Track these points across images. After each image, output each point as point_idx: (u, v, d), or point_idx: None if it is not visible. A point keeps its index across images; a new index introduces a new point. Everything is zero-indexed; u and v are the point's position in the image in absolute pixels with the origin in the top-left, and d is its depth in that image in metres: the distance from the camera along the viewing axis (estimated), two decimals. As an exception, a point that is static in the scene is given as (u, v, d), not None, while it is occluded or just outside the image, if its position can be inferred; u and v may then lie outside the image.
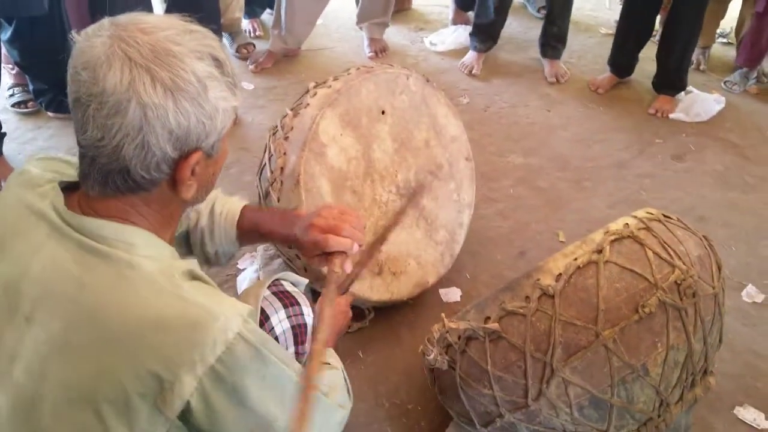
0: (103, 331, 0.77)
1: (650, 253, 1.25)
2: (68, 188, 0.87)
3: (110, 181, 0.80)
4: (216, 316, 0.77)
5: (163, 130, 0.76)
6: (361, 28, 3.29)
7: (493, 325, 1.24)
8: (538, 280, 1.23)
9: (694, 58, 3.20)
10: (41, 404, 0.79)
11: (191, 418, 0.78)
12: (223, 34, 3.19)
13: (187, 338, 0.76)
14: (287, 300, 1.15)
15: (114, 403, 0.76)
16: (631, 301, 1.19)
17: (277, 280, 1.18)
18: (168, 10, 2.54)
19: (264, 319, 1.10)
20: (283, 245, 1.32)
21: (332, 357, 1.18)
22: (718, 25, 3.26)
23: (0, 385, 0.82)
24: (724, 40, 3.52)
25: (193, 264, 0.86)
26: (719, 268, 1.35)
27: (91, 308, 0.78)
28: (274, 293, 1.15)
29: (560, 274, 1.22)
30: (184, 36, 0.78)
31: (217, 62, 0.80)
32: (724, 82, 3.12)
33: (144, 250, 0.81)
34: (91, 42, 0.76)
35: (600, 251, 1.23)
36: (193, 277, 0.84)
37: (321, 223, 1.13)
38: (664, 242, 1.28)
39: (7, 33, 2.30)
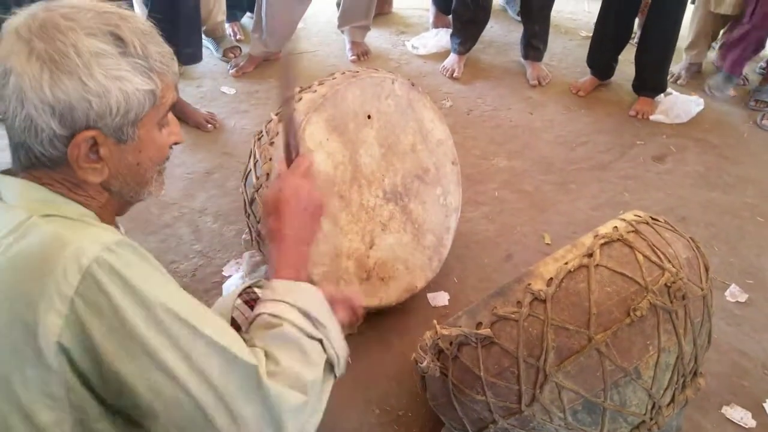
0: None
1: (640, 256, 1.26)
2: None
3: (19, 156, 0.81)
4: (68, 243, 0.72)
5: (41, 103, 0.75)
6: (342, 32, 3.27)
7: (485, 331, 1.23)
8: (529, 284, 1.23)
9: (677, 70, 3.23)
10: None
11: (79, 369, 0.72)
12: (209, 39, 3.15)
13: (37, 271, 0.71)
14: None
15: (11, 362, 0.72)
16: (623, 304, 1.19)
17: (249, 288, 1.16)
18: (149, 16, 2.50)
19: (236, 330, 1.06)
20: None
21: (290, 294, 0.90)
22: (709, 44, 3.27)
23: None
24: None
25: (90, 218, 0.83)
26: (707, 270, 1.36)
27: None
28: (245, 302, 1.13)
29: (551, 279, 1.22)
30: (85, 14, 0.77)
31: (119, 41, 0.78)
32: (708, 87, 3.14)
33: (27, 202, 0.79)
34: (12, 19, 0.78)
35: (590, 255, 1.24)
36: (86, 223, 0.80)
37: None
38: (653, 245, 1.28)
39: None
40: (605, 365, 1.18)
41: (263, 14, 2.92)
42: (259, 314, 0.88)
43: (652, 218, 1.37)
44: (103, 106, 0.77)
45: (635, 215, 1.35)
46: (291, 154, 1.02)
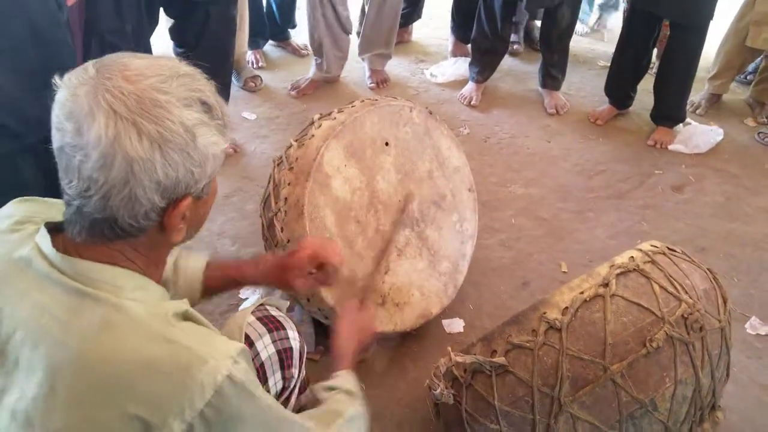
0: (90, 377, 0.75)
1: (656, 287, 1.25)
2: (53, 229, 0.84)
3: (97, 229, 0.78)
4: (204, 360, 0.75)
5: (150, 182, 0.74)
6: (362, 59, 3.32)
7: (499, 359, 1.23)
8: (545, 313, 1.22)
9: (698, 99, 3.22)
10: None
11: None
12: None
13: (176, 383, 0.74)
14: (272, 324, 1.15)
15: None
16: (639, 335, 1.19)
17: (261, 305, 1.18)
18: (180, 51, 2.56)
19: (249, 345, 1.09)
20: (261, 282, 1.31)
21: (349, 384, 1.16)
22: (734, 76, 3.26)
23: None
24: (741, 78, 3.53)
25: (184, 304, 0.84)
26: (725, 302, 1.35)
27: (77, 353, 0.75)
28: (258, 318, 1.15)
29: (567, 308, 1.22)
30: (171, 82, 0.75)
31: (206, 107, 0.78)
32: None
33: (132, 293, 0.79)
34: (75, 91, 0.73)
35: (606, 285, 1.23)
36: (185, 317, 0.82)
37: (308, 243, 1.24)
38: (670, 276, 1.28)
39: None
40: (621, 396, 1.17)
41: (323, 43, 3.05)
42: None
43: (669, 248, 1.36)
44: (202, 173, 0.78)
45: (652, 245, 1.35)
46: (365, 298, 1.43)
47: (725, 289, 1.39)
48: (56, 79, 0.76)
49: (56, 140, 0.75)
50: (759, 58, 3.26)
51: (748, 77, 3.44)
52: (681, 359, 1.21)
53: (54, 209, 0.91)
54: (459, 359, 1.29)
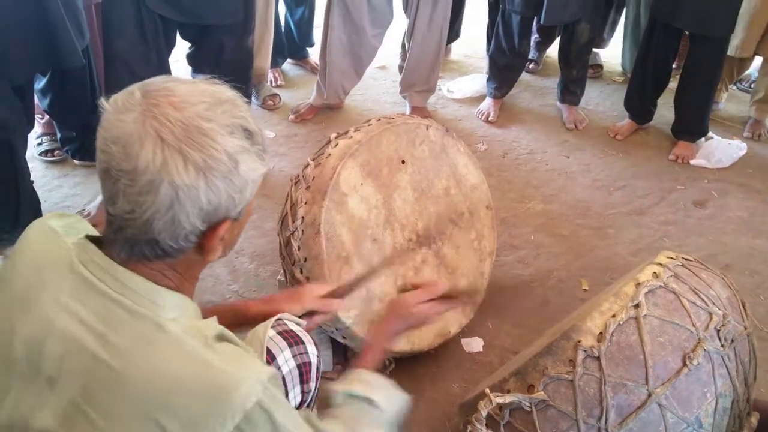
0: (127, 392, 0.76)
1: (685, 302, 1.25)
2: (94, 242, 0.86)
3: (137, 249, 0.80)
4: (238, 384, 0.76)
5: (193, 208, 0.76)
6: (404, 97, 3.18)
7: (539, 395, 1.20)
8: (580, 341, 1.20)
9: None
10: None
11: None
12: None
13: (209, 404, 0.75)
14: (292, 339, 1.16)
15: None
16: (677, 353, 1.18)
17: (280, 319, 1.19)
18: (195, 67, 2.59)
19: (270, 359, 1.10)
20: (265, 308, 1.32)
21: (375, 389, 1.11)
22: (727, 87, 3.23)
23: None
24: (745, 86, 3.52)
25: (217, 325, 0.85)
26: (744, 306, 1.34)
27: (114, 368, 0.77)
28: (279, 333, 1.16)
29: (601, 333, 1.20)
30: (216, 110, 0.77)
31: (248, 133, 0.80)
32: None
33: (171, 312, 0.81)
34: (122, 117, 0.75)
35: (637, 306, 1.22)
36: (221, 338, 0.83)
37: (305, 299, 1.33)
38: (695, 288, 1.27)
39: (41, 83, 2.37)
40: (667, 418, 1.16)
41: (329, 68, 2.95)
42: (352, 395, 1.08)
43: (685, 258, 1.35)
44: (243, 198, 0.81)
45: (668, 257, 1.33)
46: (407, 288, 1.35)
47: (749, 305, 1.37)
48: (102, 101, 0.79)
49: (101, 161, 0.78)
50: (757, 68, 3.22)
51: (751, 86, 3.40)
52: (719, 372, 1.20)
53: (83, 225, 0.94)
54: (500, 400, 1.25)
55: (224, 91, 0.82)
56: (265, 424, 0.78)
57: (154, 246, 0.79)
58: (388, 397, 1.10)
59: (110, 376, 0.77)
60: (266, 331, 1.14)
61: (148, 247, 0.79)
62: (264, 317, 1.19)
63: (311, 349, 1.17)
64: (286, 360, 1.12)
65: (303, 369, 1.15)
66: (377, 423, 1.06)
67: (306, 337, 1.18)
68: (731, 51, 2.88)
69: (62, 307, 0.81)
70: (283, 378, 1.12)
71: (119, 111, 0.76)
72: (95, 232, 0.88)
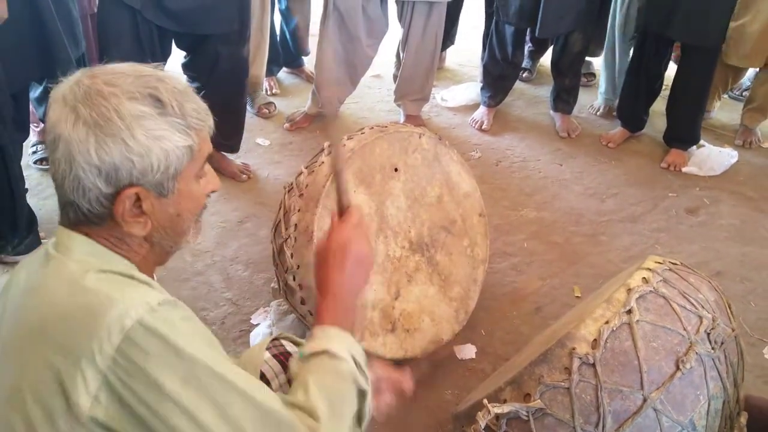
0: (23, 329, 0.81)
1: (675, 306, 1.26)
2: None
3: (68, 212, 0.85)
4: (113, 303, 0.75)
5: (88, 165, 0.80)
6: (398, 105, 3.21)
7: (535, 403, 1.21)
8: (574, 349, 1.22)
9: None
10: None
11: (113, 425, 0.74)
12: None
13: (83, 327, 0.75)
14: (288, 362, 1.13)
15: (37, 404, 0.75)
16: (670, 357, 1.19)
17: (276, 339, 1.17)
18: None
19: (265, 383, 1.08)
20: None
21: (333, 341, 0.91)
22: (720, 95, 3.26)
23: None
24: (736, 94, 3.55)
25: (132, 269, 0.86)
26: (730, 307, 1.36)
27: (20, 308, 0.83)
28: (274, 355, 1.14)
29: (595, 340, 1.21)
30: (126, 78, 0.82)
31: (158, 102, 0.82)
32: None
33: (79, 255, 0.84)
34: (58, 86, 0.83)
35: (630, 311, 1.23)
36: (129, 276, 0.83)
37: None
38: (684, 292, 1.28)
39: (37, 92, 2.38)
40: (662, 422, 1.17)
41: (324, 78, 2.97)
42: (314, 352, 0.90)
43: (671, 262, 1.37)
44: (145, 164, 0.81)
45: (656, 262, 1.35)
46: (342, 206, 1.04)
47: (740, 312, 1.38)
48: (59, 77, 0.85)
49: None
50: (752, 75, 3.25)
51: (743, 94, 3.43)
52: (710, 375, 1.21)
53: None
54: (498, 410, 1.26)
55: (159, 71, 0.86)
56: (160, 349, 0.74)
57: (76, 210, 0.84)
58: (349, 346, 0.92)
59: (16, 317, 0.83)
60: (261, 353, 1.13)
61: (72, 209, 0.84)
62: None
63: None
64: (281, 385, 1.11)
65: None
66: (340, 376, 0.88)
67: None
68: (735, 61, 2.90)
69: (17, 282, 0.88)
70: None
71: (59, 84, 0.84)
72: None
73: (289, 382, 1.04)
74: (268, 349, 1.15)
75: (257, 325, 1.98)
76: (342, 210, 1.04)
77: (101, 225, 0.85)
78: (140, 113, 0.80)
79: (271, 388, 0.97)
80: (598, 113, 3.36)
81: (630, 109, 3.06)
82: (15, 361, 0.80)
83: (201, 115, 0.87)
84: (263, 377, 1.09)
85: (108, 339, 0.73)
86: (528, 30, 3.09)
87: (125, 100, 0.80)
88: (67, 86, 0.82)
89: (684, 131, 2.94)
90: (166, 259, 0.96)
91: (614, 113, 3.28)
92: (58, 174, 0.82)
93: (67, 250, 0.84)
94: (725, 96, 3.43)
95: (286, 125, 3.13)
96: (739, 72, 3.17)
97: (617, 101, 3.21)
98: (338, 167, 1.06)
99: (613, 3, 3.07)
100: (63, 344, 0.75)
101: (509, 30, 2.97)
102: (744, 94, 3.43)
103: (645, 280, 1.30)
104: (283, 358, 1.13)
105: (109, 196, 0.82)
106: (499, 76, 3.13)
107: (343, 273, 0.97)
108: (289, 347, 1.16)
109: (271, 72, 3.49)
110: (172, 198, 0.87)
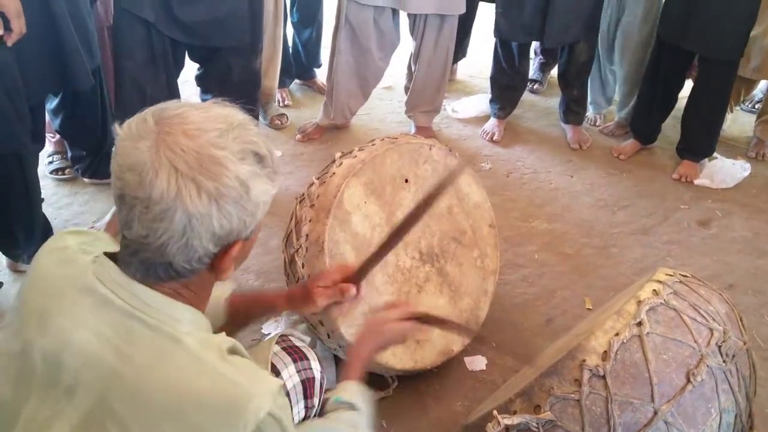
0: (144, 404, 0.78)
1: (686, 318, 1.26)
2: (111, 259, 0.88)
3: (152, 270, 0.83)
4: (251, 397, 0.79)
5: (206, 233, 0.79)
6: (409, 117, 3.21)
7: (546, 415, 1.21)
8: (584, 360, 1.21)
9: None
10: None
11: None
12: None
13: (224, 416, 0.77)
14: (296, 355, 1.18)
15: None
16: (681, 370, 1.19)
17: (284, 335, 1.22)
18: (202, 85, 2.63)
19: (275, 374, 1.13)
20: (285, 304, 1.34)
21: (357, 396, 1.19)
22: (732, 107, 3.24)
23: None
24: (749, 107, 3.53)
25: (229, 339, 0.88)
26: (741, 320, 1.35)
27: (132, 380, 0.79)
28: (283, 348, 1.19)
29: (605, 352, 1.21)
30: (227, 136, 0.80)
31: (259, 157, 0.82)
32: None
33: (186, 326, 0.84)
34: (137, 144, 0.77)
35: (640, 324, 1.23)
36: (233, 351, 0.86)
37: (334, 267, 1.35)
38: (695, 305, 1.28)
39: (53, 103, 2.42)
40: None
41: (336, 89, 2.98)
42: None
43: (682, 275, 1.37)
44: (253, 221, 0.83)
45: (666, 274, 1.35)
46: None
47: (752, 325, 1.37)
48: (116, 126, 0.81)
49: (116, 188, 0.80)
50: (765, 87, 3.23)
51: (756, 106, 3.41)
52: (722, 388, 1.21)
53: (101, 242, 0.95)
54: (507, 421, 1.26)
55: (235, 115, 0.84)
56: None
57: (168, 268, 0.82)
58: (365, 401, 1.19)
59: (127, 388, 0.79)
60: (271, 347, 1.17)
61: (163, 268, 0.82)
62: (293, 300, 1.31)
63: (315, 365, 1.20)
64: (291, 375, 1.15)
65: (307, 384, 1.17)
66: (361, 422, 1.15)
67: (310, 354, 1.21)
68: (748, 73, 2.88)
69: (79, 322, 0.83)
70: (288, 394, 1.13)
71: (133, 138, 0.78)
72: (113, 248, 0.89)
73: (302, 372, 1.18)
74: (277, 342, 1.20)
75: (268, 334, 1.99)
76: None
77: (189, 278, 0.85)
78: (251, 174, 0.80)
79: (281, 376, 1.14)
80: (595, 125, 3.37)
81: (643, 121, 3.05)
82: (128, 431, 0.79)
83: (275, 155, 0.87)
84: (273, 368, 1.14)
85: (244, 429, 0.77)
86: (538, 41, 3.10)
87: (238, 162, 0.79)
88: (159, 147, 0.76)
89: (699, 144, 2.91)
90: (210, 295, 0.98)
91: (609, 124, 3.30)
92: (159, 241, 0.78)
93: (175, 321, 0.83)
94: (737, 108, 3.42)
95: (298, 136, 3.15)
96: (752, 84, 3.15)
97: (617, 111, 3.21)
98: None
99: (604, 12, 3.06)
100: (198, 429, 0.77)
101: (514, 43, 2.99)
102: (756, 106, 3.41)
103: (655, 293, 1.30)
104: (291, 351, 1.19)
105: (213, 255, 0.83)
106: (506, 86, 3.14)
107: (375, 351, 1.27)
108: (297, 342, 1.22)
109: (283, 83, 3.51)
110: (252, 239, 0.88)
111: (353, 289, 1.26)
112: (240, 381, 0.80)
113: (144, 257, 0.81)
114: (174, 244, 0.78)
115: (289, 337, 1.22)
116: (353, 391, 1.18)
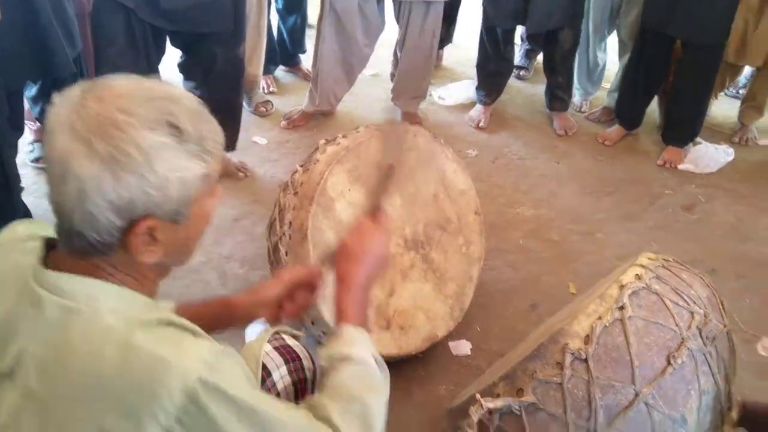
0: (66, 386, 0.76)
1: (668, 302, 1.27)
2: (51, 246, 0.86)
3: (72, 241, 0.80)
4: (171, 366, 0.74)
5: (102, 201, 0.75)
6: (396, 104, 3.20)
7: (528, 398, 1.22)
8: (567, 344, 1.22)
9: None
10: None
11: None
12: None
13: (143, 390, 0.74)
14: (288, 355, 1.15)
15: None
16: (662, 353, 1.20)
17: (277, 333, 1.19)
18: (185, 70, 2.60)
19: (266, 375, 1.10)
20: (244, 313, 1.20)
21: (357, 343, 0.98)
22: (717, 93, 3.23)
23: None
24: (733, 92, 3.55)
25: (165, 311, 0.83)
26: (722, 304, 1.37)
27: (54, 363, 0.77)
28: (275, 348, 1.16)
29: (588, 336, 1.22)
30: (141, 104, 0.76)
31: (176, 130, 0.77)
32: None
33: (107, 303, 0.80)
34: (56, 109, 0.76)
35: (622, 308, 1.24)
36: (168, 323, 0.81)
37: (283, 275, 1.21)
38: (677, 289, 1.29)
39: (32, 90, 2.38)
40: (654, 417, 1.18)
41: (321, 76, 2.97)
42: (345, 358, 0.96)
43: (664, 259, 1.38)
44: (163, 196, 0.77)
45: (649, 259, 1.36)
46: (376, 207, 1.12)
47: (734, 309, 1.39)
48: (54, 95, 0.79)
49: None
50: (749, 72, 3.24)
51: (740, 91, 3.43)
52: (702, 370, 1.22)
53: (50, 229, 0.91)
54: (491, 405, 1.26)
55: (172, 90, 0.80)
56: (220, 403, 0.76)
57: (82, 239, 0.78)
58: (370, 348, 1.00)
59: (51, 371, 0.77)
60: (262, 346, 1.14)
61: (77, 239, 0.79)
62: (249, 307, 1.17)
63: (307, 365, 1.17)
64: (282, 376, 1.13)
65: (299, 386, 1.15)
66: (368, 380, 0.97)
67: (302, 352, 1.18)
68: (734, 59, 2.87)
69: (15, 315, 0.82)
70: (278, 395, 1.11)
71: (58, 104, 0.77)
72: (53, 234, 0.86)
73: (294, 372, 1.13)
74: (269, 341, 1.17)
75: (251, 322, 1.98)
76: (375, 210, 1.11)
77: (108, 254, 0.81)
78: (159, 144, 0.75)
79: (272, 378, 1.10)
80: (581, 111, 3.38)
81: (628, 106, 3.06)
82: (52, 417, 0.77)
83: (217, 137, 0.83)
84: (265, 368, 1.11)
85: (170, 401, 0.73)
86: (523, 28, 3.10)
87: (143, 131, 0.74)
88: (71, 110, 0.75)
89: (684, 129, 2.93)
90: (168, 273, 0.94)
91: (596, 110, 3.31)
92: (65, 206, 0.76)
93: (93, 300, 0.79)
94: (722, 93, 3.43)
95: (283, 123, 3.13)
96: (737, 70, 3.16)
97: (609, 94, 3.21)
98: (392, 166, 1.13)
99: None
100: (118, 406, 0.74)
101: (499, 29, 2.98)
102: (741, 91, 3.43)
103: (638, 277, 1.31)
104: (283, 350, 1.15)
105: (121, 229, 0.78)
106: (492, 73, 3.13)
107: (366, 270, 1.05)
108: (289, 341, 1.18)
109: (268, 70, 3.49)
110: (185, 223, 0.83)
111: (319, 275, 1.18)
112: (160, 352, 0.75)
113: (63, 228, 0.79)
114: (77, 210, 0.76)
115: (282, 335, 1.18)
116: (350, 338, 0.99)
